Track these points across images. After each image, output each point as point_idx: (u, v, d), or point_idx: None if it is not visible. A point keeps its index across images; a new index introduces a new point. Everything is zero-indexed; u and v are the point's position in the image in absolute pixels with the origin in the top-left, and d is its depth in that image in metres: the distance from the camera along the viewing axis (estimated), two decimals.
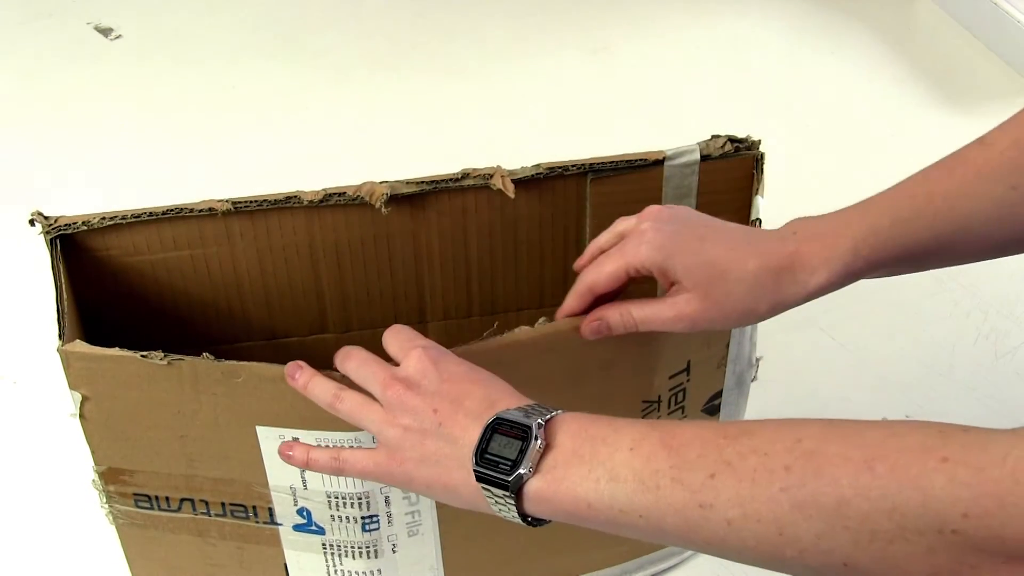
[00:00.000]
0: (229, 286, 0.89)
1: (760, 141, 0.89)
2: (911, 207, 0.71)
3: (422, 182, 0.86)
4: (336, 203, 0.86)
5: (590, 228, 0.92)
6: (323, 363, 0.72)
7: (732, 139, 0.89)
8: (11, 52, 1.70)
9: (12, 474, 1.08)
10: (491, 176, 0.86)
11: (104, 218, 0.82)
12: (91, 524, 1.01)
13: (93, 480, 0.81)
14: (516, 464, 0.59)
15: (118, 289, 0.87)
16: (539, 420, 0.60)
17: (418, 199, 0.87)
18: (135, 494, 0.80)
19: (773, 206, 0.86)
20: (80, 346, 0.72)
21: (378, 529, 0.79)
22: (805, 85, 1.62)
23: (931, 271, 1.18)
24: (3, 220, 1.36)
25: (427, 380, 0.65)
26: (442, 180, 0.86)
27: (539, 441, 0.59)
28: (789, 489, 0.52)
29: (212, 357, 0.72)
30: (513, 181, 0.86)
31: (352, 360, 0.69)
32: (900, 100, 1.58)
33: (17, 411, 1.14)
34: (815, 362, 1.17)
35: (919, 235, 0.70)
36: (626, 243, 0.73)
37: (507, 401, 0.63)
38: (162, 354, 0.72)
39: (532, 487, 0.59)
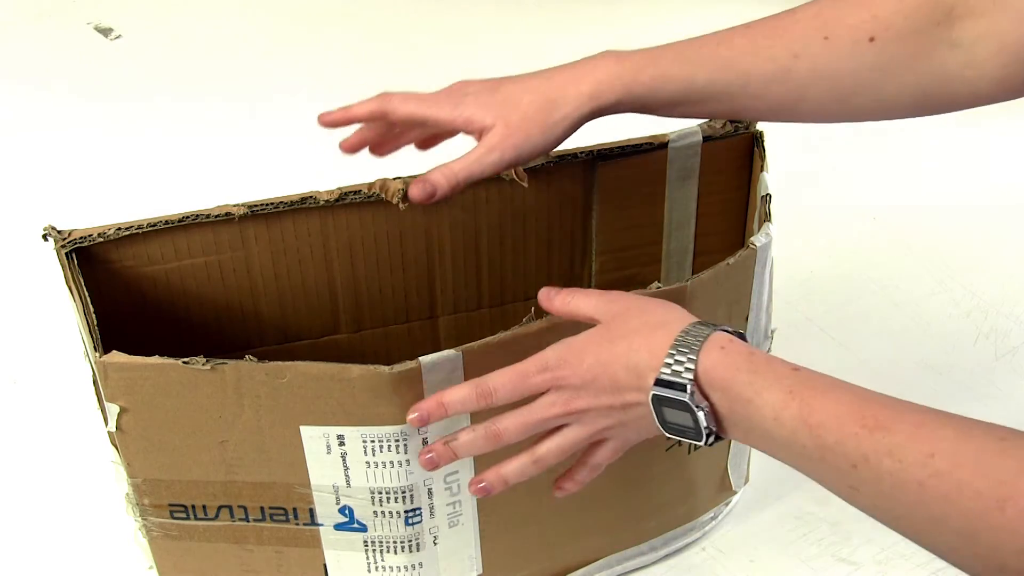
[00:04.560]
0: (243, 290, 0.88)
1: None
2: (696, 52, 0.77)
3: None
4: (351, 201, 0.86)
5: (597, 214, 0.94)
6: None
7: (731, 119, 0.91)
8: (11, 52, 1.67)
9: (11, 474, 1.06)
10: None
11: (120, 229, 0.81)
12: (91, 524, 1.00)
13: (127, 494, 0.80)
14: (698, 431, 0.65)
15: (131, 299, 0.86)
16: (689, 389, 0.63)
17: None
18: (171, 504, 0.79)
19: (775, 199, 0.87)
20: (119, 356, 0.71)
21: (420, 522, 0.80)
22: None
23: (931, 272, 1.20)
24: (3, 221, 1.35)
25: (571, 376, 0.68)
26: None
27: (703, 410, 0.64)
28: (923, 504, 0.54)
29: (255, 359, 0.72)
30: (525, 170, 0.87)
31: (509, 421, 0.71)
32: None
33: (17, 411, 1.12)
34: (815, 362, 1.14)
35: (697, 77, 0.76)
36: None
37: (643, 355, 0.66)
38: (204, 359, 0.71)
39: (724, 432, 0.65)
